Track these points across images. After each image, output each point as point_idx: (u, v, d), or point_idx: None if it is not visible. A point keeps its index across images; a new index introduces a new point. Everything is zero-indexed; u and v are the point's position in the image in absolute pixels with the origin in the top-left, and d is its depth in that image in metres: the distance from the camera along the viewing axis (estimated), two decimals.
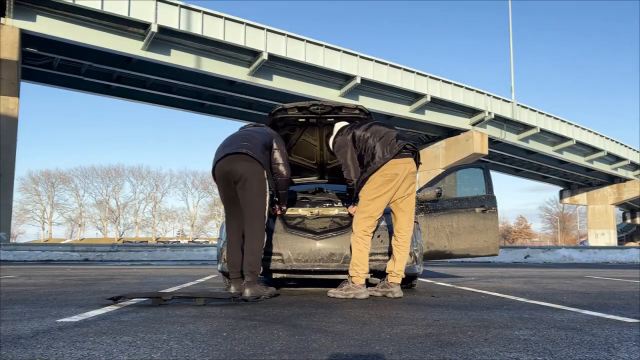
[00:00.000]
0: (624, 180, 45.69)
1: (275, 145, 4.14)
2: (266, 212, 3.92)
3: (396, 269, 4.13)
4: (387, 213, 4.46)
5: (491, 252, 5.51)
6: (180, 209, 79.44)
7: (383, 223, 4.40)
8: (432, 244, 5.53)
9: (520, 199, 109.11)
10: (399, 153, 4.00)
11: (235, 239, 4.00)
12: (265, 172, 3.90)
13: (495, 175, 45.19)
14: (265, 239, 3.93)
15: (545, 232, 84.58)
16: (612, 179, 45.76)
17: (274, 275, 4.61)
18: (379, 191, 3.96)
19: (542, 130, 33.13)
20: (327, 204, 4.71)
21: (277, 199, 4.35)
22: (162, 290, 4.56)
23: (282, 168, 4.14)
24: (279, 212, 4.43)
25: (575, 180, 46.88)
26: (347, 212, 4.51)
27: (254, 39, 21.81)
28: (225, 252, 4.18)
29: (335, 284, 5.32)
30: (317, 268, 4.27)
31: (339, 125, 4.34)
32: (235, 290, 3.95)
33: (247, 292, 3.71)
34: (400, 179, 3.99)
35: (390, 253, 4.31)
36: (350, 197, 4.28)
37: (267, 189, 3.92)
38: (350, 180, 4.10)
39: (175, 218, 79.56)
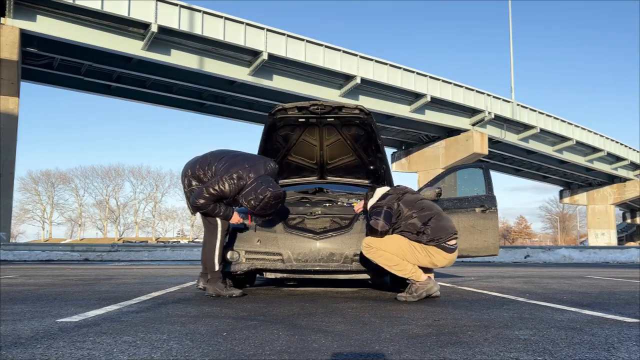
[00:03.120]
0: (624, 180, 45.69)
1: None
2: (217, 215, 4.05)
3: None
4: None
5: (491, 252, 5.50)
6: (180, 209, 79.30)
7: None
8: None
9: (520, 199, 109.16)
10: (447, 245, 4.01)
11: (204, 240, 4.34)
12: (187, 190, 4.17)
13: (495, 175, 45.24)
14: (219, 238, 4.09)
15: (545, 232, 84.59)
16: (612, 179, 45.76)
17: (269, 275, 4.62)
18: (410, 249, 3.96)
19: (542, 130, 33.13)
20: (327, 204, 4.71)
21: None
22: (163, 290, 4.57)
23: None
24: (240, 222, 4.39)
25: (575, 180, 46.88)
26: (347, 213, 4.51)
27: (254, 39, 21.81)
28: (228, 253, 4.37)
29: (336, 283, 5.33)
30: (317, 268, 4.26)
31: (380, 191, 4.21)
32: (202, 285, 4.34)
33: (209, 290, 4.09)
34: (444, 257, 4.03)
35: None
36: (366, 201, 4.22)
37: (203, 196, 3.98)
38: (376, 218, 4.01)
39: (175, 218, 79.57)
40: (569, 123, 35.18)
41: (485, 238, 5.50)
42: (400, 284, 4.96)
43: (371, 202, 4.15)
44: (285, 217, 4.47)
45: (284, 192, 4.03)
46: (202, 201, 3.95)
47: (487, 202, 5.56)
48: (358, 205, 4.34)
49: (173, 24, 19.90)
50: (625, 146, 41.90)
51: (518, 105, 32.03)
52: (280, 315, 2.99)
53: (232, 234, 4.40)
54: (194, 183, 4.13)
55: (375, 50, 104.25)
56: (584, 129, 36.63)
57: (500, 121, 31.58)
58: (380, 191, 4.19)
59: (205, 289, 4.19)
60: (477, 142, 30.43)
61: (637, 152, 43.47)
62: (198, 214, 4.21)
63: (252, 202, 3.86)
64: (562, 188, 50.74)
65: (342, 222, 4.46)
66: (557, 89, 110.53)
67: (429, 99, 27.25)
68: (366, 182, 5.83)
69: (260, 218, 4.21)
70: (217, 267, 4.08)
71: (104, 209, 74.24)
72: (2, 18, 17.88)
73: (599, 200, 47.18)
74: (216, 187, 3.94)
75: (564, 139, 35.30)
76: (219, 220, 4.10)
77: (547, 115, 33.73)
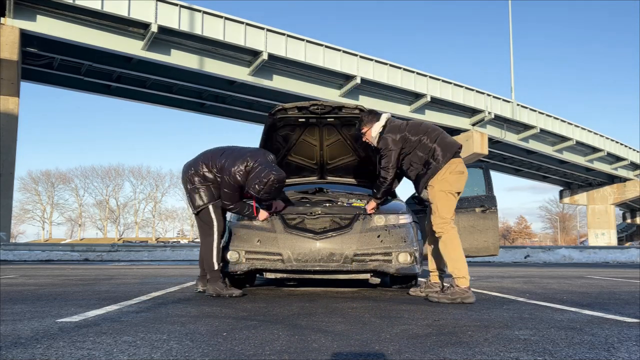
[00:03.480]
0: (624, 180, 45.68)
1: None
2: (212, 215, 4.14)
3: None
4: (392, 213, 4.48)
5: (491, 252, 5.51)
6: (180, 209, 79.24)
7: (383, 223, 4.40)
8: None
9: (520, 199, 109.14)
10: (457, 152, 4.11)
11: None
12: (194, 186, 4.18)
13: (495, 175, 45.20)
14: (215, 237, 4.13)
15: (545, 232, 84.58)
16: (612, 179, 45.75)
17: (269, 275, 4.62)
18: (451, 188, 4.00)
19: (542, 130, 33.12)
20: (327, 204, 4.71)
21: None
22: (163, 290, 4.57)
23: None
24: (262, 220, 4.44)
25: (575, 180, 46.87)
26: (347, 213, 4.51)
27: (254, 39, 21.81)
28: (227, 253, 4.39)
29: (336, 283, 5.32)
30: (317, 268, 4.26)
31: (385, 117, 4.24)
32: (201, 287, 4.38)
33: (209, 290, 4.09)
34: (466, 176, 4.09)
35: (389, 253, 4.32)
36: (376, 195, 4.31)
37: (202, 195, 4.15)
38: (385, 180, 4.13)
39: (175, 218, 79.59)
40: (569, 123, 35.18)
41: (485, 238, 5.50)
42: (400, 283, 4.96)
43: (376, 129, 4.18)
44: (285, 218, 4.47)
45: (285, 175, 4.15)
46: (231, 205, 4.14)
47: (487, 202, 5.56)
48: (370, 205, 4.36)
49: (173, 24, 19.90)
50: (625, 146, 41.89)
51: (518, 105, 32.03)
52: (280, 315, 2.99)
53: (231, 234, 4.40)
54: (196, 179, 4.16)
55: (375, 50, 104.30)
56: (584, 129, 36.62)
57: (500, 121, 31.57)
58: (383, 120, 4.21)
59: (205, 290, 4.21)
60: (477, 142, 30.43)
61: (637, 152, 43.46)
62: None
63: (257, 186, 3.93)
64: (562, 188, 50.73)
65: (342, 222, 4.45)
66: (557, 89, 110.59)
67: (429, 99, 27.24)
68: (366, 182, 5.83)
69: (265, 203, 4.28)
70: (216, 267, 4.10)
71: (104, 209, 74.25)
72: (2, 18, 17.87)
73: (599, 200, 47.17)
74: (232, 184, 4.04)
75: (564, 139, 35.29)
76: (214, 221, 4.13)
77: (547, 115, 33.72)
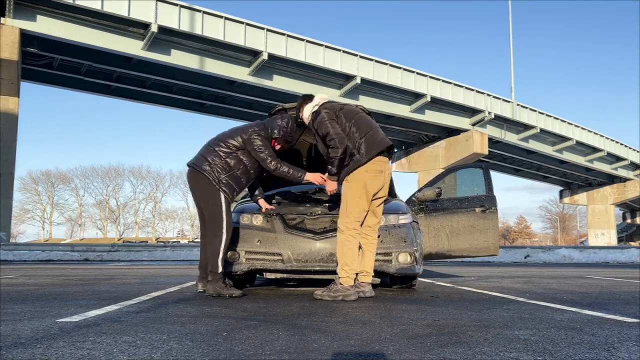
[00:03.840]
0: (624, 180, 45.69)
1: (244, 142, 4.17)
2: (223, 212, 4.05)
3: (366, 268, 4.07)
4: (392, 213, 4.47)
5: (491, 252, 5.51)
6: (180, 209, 79.42)
7: (382, 223, 4.40)
8: (432, 244, 5.52)
9: (520, 199, 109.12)
10: (383, 151, 3.97)
11: (204, 242, 4.27)
12: (209, 178, 4.07)
13: (495, 175, 45.21)
14: (224, 239, 4.05)
15: (545, 232, 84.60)
16: (612, 179, 45.76)
17: (269, 275, 4.61)
18: (366, 187, 3.86)
19: (542, 130, 33.13)
20: (327, 204, 4.71)
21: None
22: (163, 290, 4.57)
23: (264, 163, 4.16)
24: (264, 210, 4.43)
25: (575, 180, 46.88)
26: None
27: (254, 39, 21.81)
28: (228, 253, 4.34)
29: None
30: (317, 268, 4.27)
31: (319, 97, 4.15)
32: (201, 288, 4.32)
33: (210, 290, 4.04)
34: (385, 177, 3.96)
35: (389, 253, 4.32)
36: (331, 172, 3.96)
37: (218, 194, 4.06)
38: (335, 151, 3.85)
39: (175, 218, 79.64)
40: (569, 123, 35.19)
41: (485, 238, 5.50)
42: (400, 283, 4.96)
43: (308, 108, 4.11)
44: (285, 218, 4.47)
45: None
46: (272, 163, 4.08)
47: (487, 202, 5.56)
48: (330, 185, 4.08)
49: (173, 24, 19.91)
50: (625, 146, 41.90)
51: (518, 105, 32.04)
52: (280, 315, 2.99)
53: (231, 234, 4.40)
54: (217, 160, 4.10)
55: (375, 50, 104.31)
56: (584, 129, 36.64)
57: (500, 121, 31.59)
58: (316, 101, 4.15)
59: (205, 290, 4.19)
60: (477, 142, 30.44)
61: (637, 152, 43.47)
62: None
63: (277, 132, 4.16)
64: (562, 188, 50.74)
65: None
66: (557, 88, 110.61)
67: (429, 99, 27.25)
68: None
69: (286, 145, 4.33)
70: (220, 269, 4.04)
71: (104, 209, 74.29)
72: (2, 18, 17.88)
73: (599, 200, 47.18)
74: (260, 144, 4.10)
75: (564, 139, 35.30)
76: (224, 221, 4.05)
77: (547, 115, 33.73)
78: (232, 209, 4.25)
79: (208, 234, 4.14)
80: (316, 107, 4.07)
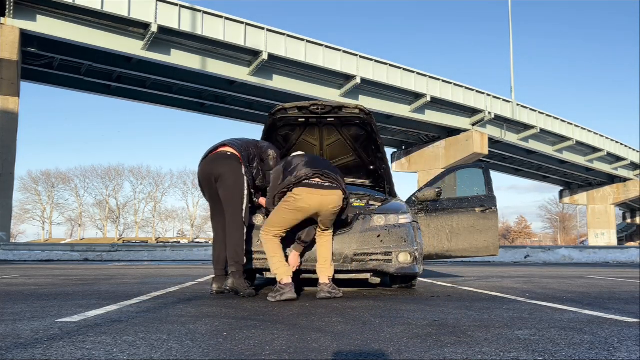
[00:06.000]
0: (624, 180, 45.68)
1: (256, 150, 4.23)
2: (244, 205, 3.99)
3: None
4: (393, 213, 4.47)
5: (491, 252, 5.51)
6: (180, 209, 79.53)
7: (383, 223, 4.40)
8: (432, 244, 5.52)
9: (520, 199, 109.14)
10: (311, 182, 3.79)
11: (221, 236, 4.13)
12: (242, 167, 4.02)
13: (495, 175, 45.21)
14: (245, 231, 4.00)
15: (545, 232, 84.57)
16: (612, 179, 45.76)
17: (268, 275, 4.61)
18: (286, 215, 3.85)
19: (542, 130, 33.13)
20: None
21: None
22: (163, 290, 4.57)
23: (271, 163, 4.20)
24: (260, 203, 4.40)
25: (575, 180, 46.87)
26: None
27: (254, 39, 21.82)
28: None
29: (336, 283, 5.32)
30: None
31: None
32: (217, 289, 4.13)
33: (229, 283, 3.90)
34: (307, 213, 3.83)
35: (389, 253, 4.32)
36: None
37: (245, 184, 4.00)
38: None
39: (175, 218, 79.56)
40: (569, 123, 35.19)
41: (485, 238, 5.50)
42: (400, 283, 4.96)
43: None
44: None
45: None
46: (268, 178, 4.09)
47: (487, 202, 5.56)
48: (262, 200, 4.30)
49: (173, 24, 19.91)
50: (625, 146, 41.89)
51: (518, 105, 32.03)
52: (280, 315, 2.99)
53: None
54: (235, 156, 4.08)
55: (375, 50, 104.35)
56: (584, 129, 36.63)
57: (500, 121, 31.58)
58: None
59: (223, 289, 4.01)
60: (477, 142, 30.44)
61: (637, 152, 43.47)
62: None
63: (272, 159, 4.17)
64: (562, 188, 50.73)
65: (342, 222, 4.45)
66: (557, 88, 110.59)
67: (429, 99, 27.25)
68: (366, 182, 5.83)
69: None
70: (245, 260, 3.95)
71: (104, 209, 74.25)
72: (2, 18, 17.87)
73: (599, 200, 47.17)
74: (274, 158, 4.19)
75: (564, 139, 35.30)
76: (244, 213, 3.98)
77: (547, 115, 33.73)
78: (245, 200, 4.12)
79: (228, 226, 3.97)
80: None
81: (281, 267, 3.82)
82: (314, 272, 4.33)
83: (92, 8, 18.41)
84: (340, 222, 4.45)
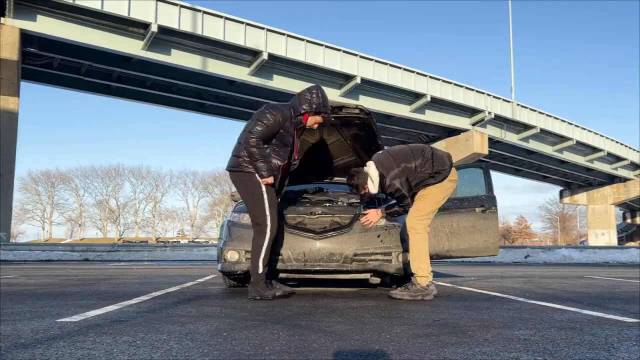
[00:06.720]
0: (624, 180, 45.67)
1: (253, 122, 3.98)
2: (266, 205, 3.89)
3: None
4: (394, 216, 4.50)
5: (491, 252, 5.50)
6: (180, 208, 79.49)
7: (383, 223, 4.40)
8: (432, 244, 5.52)
9: (520, 199, 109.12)
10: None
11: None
12: (245, 171, 3.92)
13: (495, 175, 45.19)
14: (267, 237, 3.89)
15: (545, 232, 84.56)
16: (612, 179, 45.74)
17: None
18: (445, 194, 4.24)
19: (542, 130, 33.12)
20: (327, 204, 4.71)
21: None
22: (163, 290, 4.57)
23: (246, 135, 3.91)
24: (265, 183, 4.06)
25: (575, 180, 46.86)
26: (347, 212, 4.50)
27: (254, 39, 21.81)
28: (228, 252, 4.29)
29: (336, 283, 5.33)
30: (317, 268, 4.27)
31: (373, 169, 4.11)
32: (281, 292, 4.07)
33: (250, 292, 3.90)
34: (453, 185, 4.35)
35: (389, 253, 4.32)
36: (392, 209, 4.31)
37: (259, 186, 3.89)
38: (404, 206, 4.21)
39: (175, 218, 79.52)
40: (569, 123, 35.17)
41: (485, 238, 5.50)
42: (400, 283, 4.96)
43: (373, 188, 4.11)
44: (286, 217, 4.47)
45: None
46: (253, 140, 3.80)
47: (487, 202, 5.56)
48: (377, 212, 4.36)
49: (173, 24, 19.90)
50: (625, 146, 41.88)
51: (518, 105, 32.02)
52: (280, 315, 2.99)
53: (231, 234, 4.39)
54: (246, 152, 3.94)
55: (375, 50, 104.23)
56: (584, 129, 36.62)
57: (500, 121, 31.57)
58: (374, 173, 4.08)
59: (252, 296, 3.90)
60: (477, 142, 30.43)
61: (637, 152, 43.45)
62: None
63: (306, 106, 3.96)
64: (562, 188, 50.72)
65: (342, 222, 4.46)
66: (557, 88, 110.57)
67: (429, 99, 27.24)
68: None
69: (320, 120, 4.09)
70: (260, 270, 3.88)
71: (104, 209, 74.24)
72: (2, 18, 17.87)
73: (599, 200, 47.15)
74: (261, 118, 3.88)
75: (564, 138, 35.29)
76: (268, 220, 3.88)
77: (547, 115, 33.72)
78: (266, 205, 3.91)
79: (253, 231, 3.95)
80: (378, 178, 4.09)
81: (427, 270, 4.13)
82: (313, 272, 4.34)
83: (92, 8, 18.40)
84: (341, 223, 4.45)
